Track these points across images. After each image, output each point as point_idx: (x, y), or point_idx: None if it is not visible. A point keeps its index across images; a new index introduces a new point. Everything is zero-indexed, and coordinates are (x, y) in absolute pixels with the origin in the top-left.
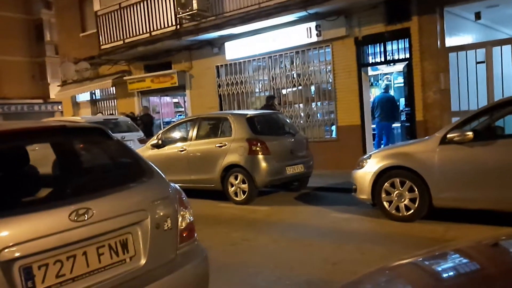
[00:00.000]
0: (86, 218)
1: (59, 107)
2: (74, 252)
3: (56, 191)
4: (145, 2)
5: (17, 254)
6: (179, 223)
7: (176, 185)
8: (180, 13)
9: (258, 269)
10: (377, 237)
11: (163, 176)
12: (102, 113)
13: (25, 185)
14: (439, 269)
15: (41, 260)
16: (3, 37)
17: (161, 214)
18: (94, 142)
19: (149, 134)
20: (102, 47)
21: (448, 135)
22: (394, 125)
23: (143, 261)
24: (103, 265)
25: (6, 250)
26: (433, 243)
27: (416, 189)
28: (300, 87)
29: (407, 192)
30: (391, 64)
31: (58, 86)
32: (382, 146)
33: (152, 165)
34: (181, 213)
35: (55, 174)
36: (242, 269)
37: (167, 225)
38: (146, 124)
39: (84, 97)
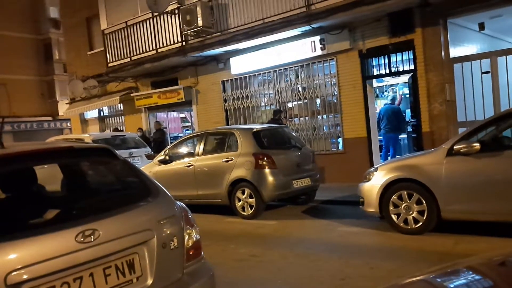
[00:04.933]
0: (92, 239)
1: (68, 124)
2: (81, 273)
3: (63, 212)
4: (151, 20)
5: (25, 277)
6: (186, 242)
7: (182, 203)
8: (186, 30)
9: (265, 286)
10: (385, 251)
11: (169, 194)
12: (118, 128)
13: (33, 206)
14: (452, 286)
15: (48, 282)
16: (13, 57)
17: (168, 233)
18: (100, 162)
19: (161, 150)
20: (110, 64)
21: (455, 147)
22: (400, 136)
23: (149, 281)
24: (110, 286)
25: (14, 273)
26: (443, 257)
27: (424, 202)
28: (305, 101)
29: (415, 205)
30: (396, 76)
31: (67, 103)
32: (389, 157)
33: (158, 184)
34: (187, 231)
35: (62, 194)
36: (250, 286)
37: (174, 244)
38: (157, 140)
39: (92, 114)
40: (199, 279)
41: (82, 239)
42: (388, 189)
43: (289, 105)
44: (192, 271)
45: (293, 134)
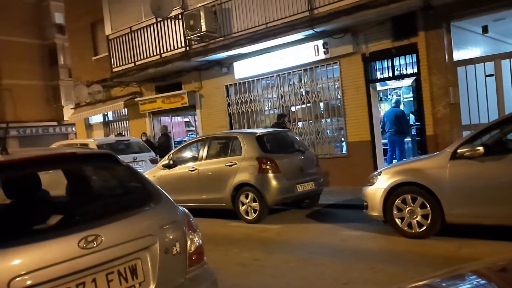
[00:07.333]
0: (95, 245)
1: (73, 129)
2: (83, 279)
3: (66, 218)
4: (155, 26)
5: (28, 283)
6: (188, 247)
7: (184, 209)
8: (189, 35)
9: None
10: (389, 255)
11: (171, 200)
12: (121, 133)
13: (37, 212)
14: None
15: None
16: (19, 62)
17: (170, 238)
18: (103, 168)
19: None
20: (114, 69)
21: (459, 150)
22: (406, 139)
23: (152, 287)
24: None
25: (17, 278)
26: (447, 261)
27: (428, 206)
28: (309, 104)
29: (419, 209)
30: (400, 79)
31: (72, 108)
32: (395, 160)
33: (160, 189)
34: (190, 236)
35: (65, 200)
36: None
37: (176, 250)
38: (163, 145)
39: (96, 119)
40: (202, 284)
41: (84, 245)
42: (392, 193)
43: (293, 109)
44: (194, 276)
45: (297, 138)
